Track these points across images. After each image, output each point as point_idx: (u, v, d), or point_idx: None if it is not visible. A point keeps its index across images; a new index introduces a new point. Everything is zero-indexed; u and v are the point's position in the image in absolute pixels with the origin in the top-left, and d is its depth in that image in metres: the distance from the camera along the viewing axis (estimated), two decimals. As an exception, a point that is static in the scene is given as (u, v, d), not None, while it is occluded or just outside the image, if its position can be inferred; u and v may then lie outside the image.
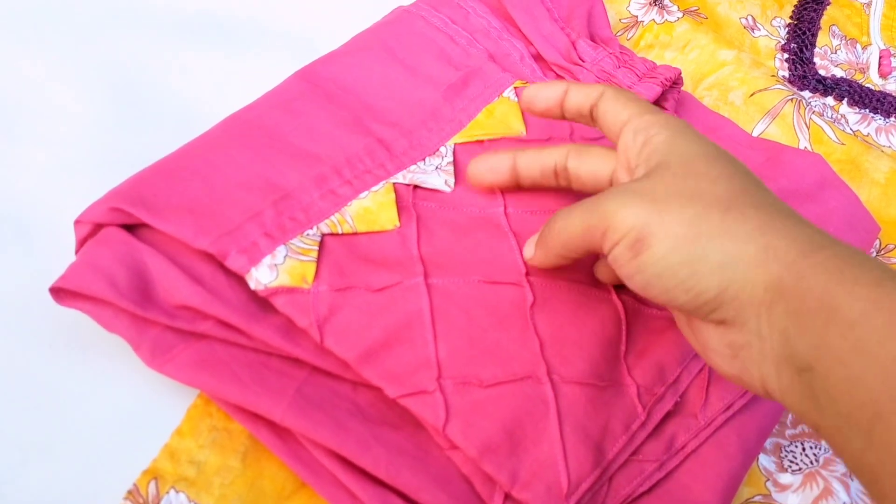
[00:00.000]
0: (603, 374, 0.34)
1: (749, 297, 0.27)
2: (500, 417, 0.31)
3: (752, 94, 0.48)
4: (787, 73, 0.51)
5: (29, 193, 0.38)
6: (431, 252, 0.35)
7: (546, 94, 0.35)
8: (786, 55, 0.52)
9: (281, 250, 0.32)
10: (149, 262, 0.32)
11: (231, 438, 0.33)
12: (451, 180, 0.37)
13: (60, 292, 0.32)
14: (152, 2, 0.45)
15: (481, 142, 0.39)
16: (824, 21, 0.54)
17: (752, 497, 0.37)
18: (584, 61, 0.43)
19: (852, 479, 0.37)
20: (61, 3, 0.44)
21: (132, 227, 0.33)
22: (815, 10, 0.54)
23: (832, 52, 0.53)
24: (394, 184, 0.36)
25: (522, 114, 0.40)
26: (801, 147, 0.47)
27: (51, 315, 0.34)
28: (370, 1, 0.45)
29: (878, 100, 0.51)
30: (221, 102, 0.39)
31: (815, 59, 0.52)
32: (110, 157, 0.39)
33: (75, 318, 0.33)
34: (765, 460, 0.38)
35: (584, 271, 0.36)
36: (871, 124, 0.50)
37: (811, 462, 0.38)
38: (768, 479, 0.37)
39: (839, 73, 0.52)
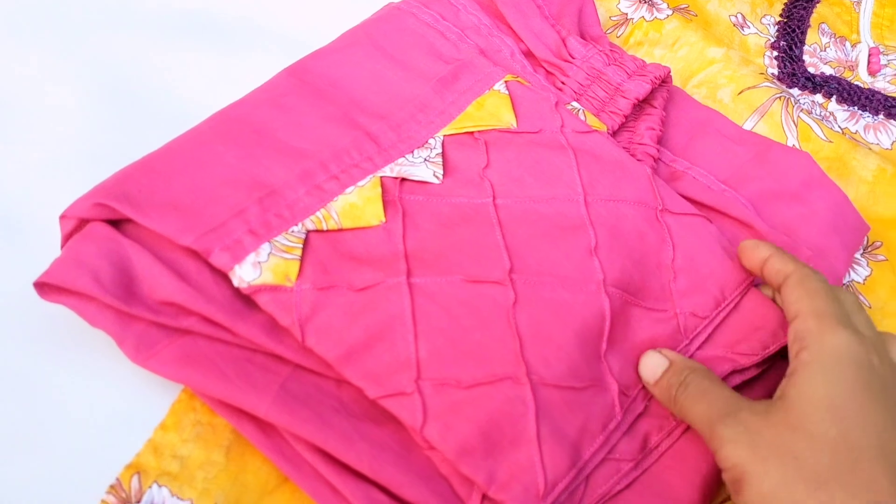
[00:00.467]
0: (583, 374, 0.34)
1: None
2: (479, 419, 0.31)
3: (740, 92, 0.48)
4: (776, 71, 0.51)
5: (22, 191, 0.38)
6: (416, 248, 0.35)
7: (755, 255, 0.36)
8: (775, 53, 0.52)
9: (265, 248, 0.33)
10: (133, 258, 0.32)
11: (215, 433, 0.33)
12: (440, 172, 0.37)
13: (45, 287, 0.32)
14: (145, 1, 0.45)
15: (471, 133, 0.39)
16: (814, 19, 0.54)
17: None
18: (574, 58, 0.43)
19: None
20: (54, 2, 0.44)
21: (117, 223, 0.33)
22: (804, 8, 0.54)
23: (821, 50, 0.53)
24: (381, 178, 0.36)
25: (513, 106, 0.40)
26: (790, 145, 0.47)
27: (35, 310, 0.34)
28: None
29: (866, 97, 0.51)
30: (214, 101, 0.39)
31: (805, 57, 0.52)
32: (103, 156, 0.39)
33: (60, 314, 0.33)
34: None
35: (573, 265, 0.36)
36: (859, 122, 0.50)
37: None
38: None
39: (828, 70, 0.52)
